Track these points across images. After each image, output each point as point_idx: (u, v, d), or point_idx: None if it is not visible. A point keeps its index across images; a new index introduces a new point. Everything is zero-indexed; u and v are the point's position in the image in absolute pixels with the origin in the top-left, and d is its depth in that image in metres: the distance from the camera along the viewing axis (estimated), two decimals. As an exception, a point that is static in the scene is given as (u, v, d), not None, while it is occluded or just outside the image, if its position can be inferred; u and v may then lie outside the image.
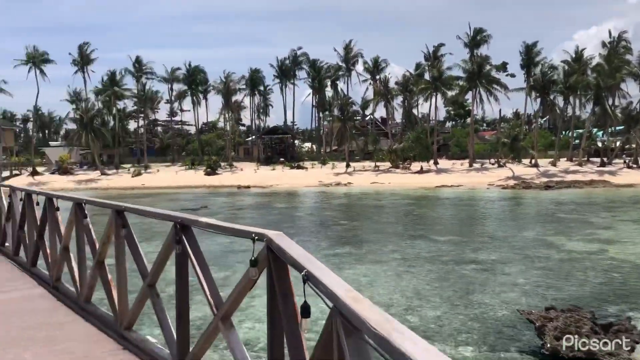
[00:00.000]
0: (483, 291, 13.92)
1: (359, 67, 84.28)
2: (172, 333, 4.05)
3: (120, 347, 4.57)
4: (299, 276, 2.71)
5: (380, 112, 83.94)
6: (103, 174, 64.29)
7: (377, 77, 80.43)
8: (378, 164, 65.91)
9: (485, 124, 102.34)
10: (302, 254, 2.40)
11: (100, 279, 5.37)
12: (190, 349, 3.74)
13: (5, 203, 9.44)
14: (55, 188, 54.15)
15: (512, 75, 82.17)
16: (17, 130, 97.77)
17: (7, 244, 9.29)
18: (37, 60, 72.76)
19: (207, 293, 3.51)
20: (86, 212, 5.70)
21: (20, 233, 8.30)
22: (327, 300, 1.87)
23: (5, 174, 62.33)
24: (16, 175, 64.01)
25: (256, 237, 2.93)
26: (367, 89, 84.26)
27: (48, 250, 7.00)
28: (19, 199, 8.46)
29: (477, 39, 71.06)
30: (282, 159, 73.05)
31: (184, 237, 3.80)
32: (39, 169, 67.78)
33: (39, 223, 7.31)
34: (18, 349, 4.61)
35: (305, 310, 2.14)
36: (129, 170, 67.16)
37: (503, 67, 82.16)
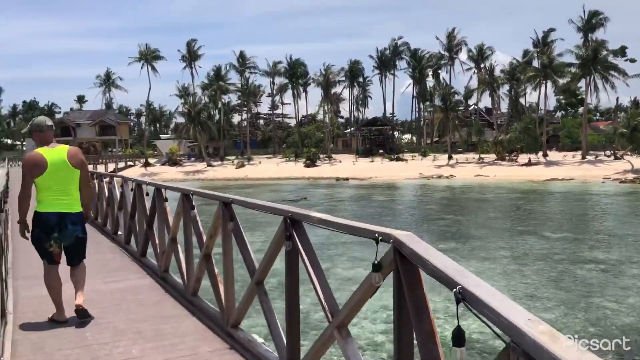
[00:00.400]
0: (604, 294, 12.65)
1: (462, 55, 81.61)
2: (281, 336, 3.75)
3: (227, 347, 4.35)
4: (433, 285, 2.26)
5: (485, 101, 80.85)
6: (209, 165, 66.89)
7: (482, 65, 77.35)
8: (482, 155, 63.39)
9: (598, 114, 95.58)
10: (449, 263, 1.95)
11: (207, 273, 5.21)
12: (302, 357, 3.41)
13: (118, 193, 9.74)
14: (166, 179, 57.08)
15: (632, 60, 75.90)
16: (132, 124, 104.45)
17: (119, 233, 9.61)
18: (149, 57, 77.11)
19: (321, 296, 3.15)
20: (193, 203, 5.57)
21: (131, 223, 8.47)
22: (494, 329, 1.41)
23: (121, 164, 66.57)
24: (130, 166, 68.16)
25: (380, 238, 2.52)
26: (470, 78, 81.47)
27: (157, 241, 7.02)
28: (130, 189, 8.65)
29: (592, 22, 66.17)
30: (381, 151, 72.30)
31: (294, 232, 3.46)
32: (151, 160, 71.80)
33: (148, 213, 7.38)
34: (127, 342, 4.53)
35: (460, 338, 1.65)
36: (232, 162, 69.41)
37: (622, 51, 75.95)
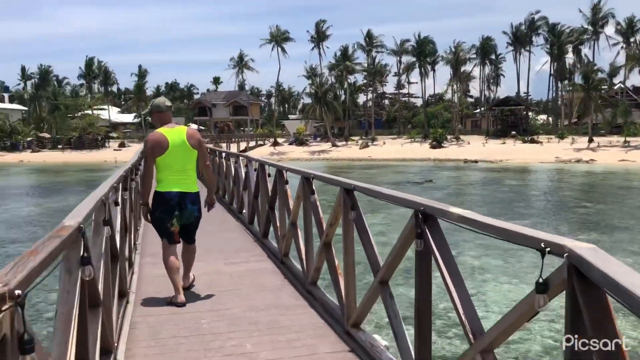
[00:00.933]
0: None
1: (609, 29, 74.29)
2: (409, 349, 3.24)
3: (347, 348, 3.92)
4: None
5: (634, 79, 73.20)
6: (333, 145, 67.46)
7: (632, 39, 69.96)
8: (629, 139, 57.57)
9: None
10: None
11: (327, 263, 4.82)
12: (433, 377, 2.88)
13: (243, 172, 9.72)
14: (292, 158, 58.48)
15: None
16: (262, 104, 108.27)
17: (244, 212, 9.60)
18: (279, 39, 78.99)
19: (460, 311, 2.58)
20: (314, 187, 5.19)
21: (254, 203, 8.37)
22: None
23: (252, 144, 69.26)
24: (260, 145, 70.71)
25: (548, 249, 1.90)
26: (617, 53, 74.11)
27: (277, 223, 6.79)
28: (254, 169, 8.54)
29: None
30: (513, 132, 68.31)
31: (427, 230, 2.91)
32: (279, 140, 73.90)
33: (270, 194, 7.17)
34: (242, 333, 4.27)
35: None
36: (357, 142, 69.41)
37: None
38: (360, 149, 64.27)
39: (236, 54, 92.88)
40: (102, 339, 3.30)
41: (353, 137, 73.63)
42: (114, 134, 75.48)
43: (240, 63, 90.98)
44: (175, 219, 5.05)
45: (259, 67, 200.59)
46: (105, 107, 79.94)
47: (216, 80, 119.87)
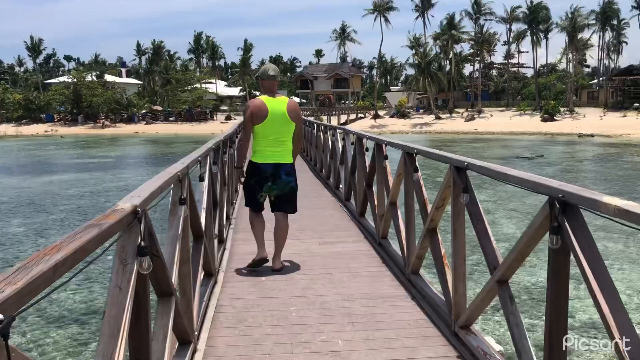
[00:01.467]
0: None
1: None
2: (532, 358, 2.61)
3: (455, 355, 3.35)
4: None
5: None
6: (437, 118, 65.34)
7: None
8: None
9: None
10: None
11: (431, 252, 4.23)
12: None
13: (340, 146, 9.25)
14: (393, 131, 57.40)
15: None
16: (364, 76, 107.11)
17: (341, 187, 9.15)
18: (381, 9, 77.01)
19: (612, 324, 1.94)
20: (417, 164, 4.59)
21: (351, 179, 7.88)
22: None
23: (352, 116, 68.78)
24: (361, 118, 70.03)
25: None
26: None
27: (375, 202, 6.25)
28: (351, 143, 8.03)
29: None
30: (636, 105, 62.55)
31: (566, 223, 2.26)
32: (380, 112, 72.74)
33: (367, 170, 6.64)
34: (333, 326, 3.82)
35: None
36: (462, 114, 66.79)
37: None
38: (465, 121, 61.78)
39: (338, 25, 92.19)
40: (178, 331, 3.00)
41: (458, 109, 70.89)
42: (224, 107, 78.04)
43: (343, 35, 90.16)
44: (266, 189, 5.05)
45: (361, 38, 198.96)
46: (213, 80, 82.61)
47: (318, 53, 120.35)
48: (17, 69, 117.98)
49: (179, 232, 3.02)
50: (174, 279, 2.83)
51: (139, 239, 2.02)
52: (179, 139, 52.07)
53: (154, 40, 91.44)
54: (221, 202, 5.92)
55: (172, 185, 2.99)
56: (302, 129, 5.29)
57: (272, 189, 5.05)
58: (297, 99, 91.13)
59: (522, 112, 65.93)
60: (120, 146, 45.59)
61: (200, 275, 4.50)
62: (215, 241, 5.06)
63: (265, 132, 4.91)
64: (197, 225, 3.93)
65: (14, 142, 50.33)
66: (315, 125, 14.38)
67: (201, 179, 4.26)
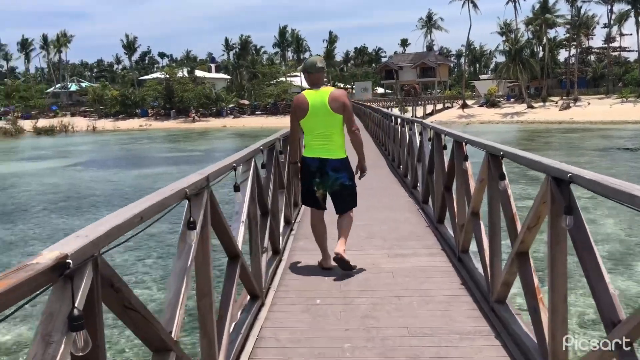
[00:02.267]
0: None
1: None
2: None
3: None
4: None
5: None
6: (529, 107, 61.84)
7: None
8: None
9: None
10: None
11: (520, 280, 3.37)
12: None
13: (417, 141, 8.39)
14: (482, 121, 55.00)
15: None
16: (451, 65, 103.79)
17: (418, 186, 8.28)
18: (471, -7, 73.79)
19: None
20: (504, 170, 3.72)
21: (429, 179, 7.02)
22: None
23: (439, 106, 66.62)
24: (448, 108, 67.67)
25: None
26: None
27: (455, 209, 5.40)
28: (428, 139, 7.17)
29: None
30: None
31: None
32: (469, 101, 69.89)
33: (446, 171, 5.78)
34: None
35: None
36: (556, 103, 62.83)
37: None
38: (560, 110, 58.02)
39: (424, 13, 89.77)
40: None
41: (552, 98, 66.78)
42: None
43: (429, 23, 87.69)
44: (317, 185, 4.86)
45: (448, 26, 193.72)
46: (298, 74, 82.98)
47: (404, 42, 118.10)
48: (115, 66, 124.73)
49: (188, 263, 2.38)
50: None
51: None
52: (265, 132, 52.45)
53: (242, 36, 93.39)
54: (275, 208, 5.30)
55: (175, 202, 2.35)
56: (353, 119, 4.84)
57: (320, 185, 4.87)
58: (381, 90, 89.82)
59: (624, 99, 60.98)
60: (209, 139, 46.60)
61: (243, 299, 3.93)
62: (264, 256, 4.43)
63: (309, 126, 4.79)
64: (230, 244, 3.30)
65: (111, 137, 52.86)
66: (392, 117, 13.50)
67: (236, 189, 3.64)
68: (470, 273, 4.64)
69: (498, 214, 3.85)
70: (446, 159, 5.91)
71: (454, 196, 5.51)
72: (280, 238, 5.48)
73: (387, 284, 4.55)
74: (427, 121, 9.08)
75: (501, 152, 3.66)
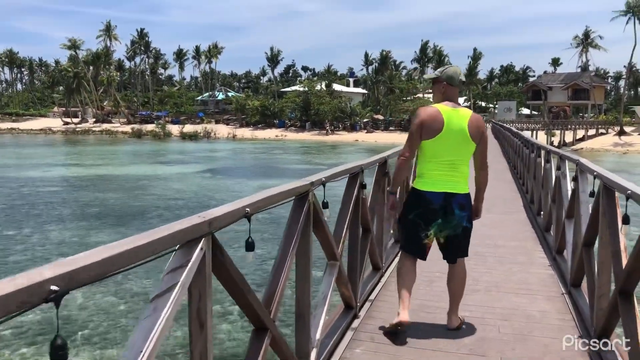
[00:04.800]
0: None
1: None
2: None
3: None
4: None
5: None
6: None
7: None
8: None
9: None
10: None
11: (622, 322, 2.53)
12: None
13: (554, 177, 6.75)
14: (641, 150, 48.94)
15: None
16: (608, 87, 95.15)
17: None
18: (637, 9, 66.80)
19: None
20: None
21: (551, 206, 6.52)
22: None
23: (591, 132, 60.97)
24: (602, 134, 61.64)
25: None
26: None
27: (571, 238, 4.93)
28: (571, 179, 5.58)
29: None
30: None
31: None
32: (627, 128, 63.11)
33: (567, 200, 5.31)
34: None
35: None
36: None
37: None
38: None
39: (581, 31, 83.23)
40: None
41: None
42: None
43: (585, 41, 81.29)
44: (435, 228, 3.83)
45: (608, 44, 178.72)
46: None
47: (555, 62, 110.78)
48: (261, 78, 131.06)
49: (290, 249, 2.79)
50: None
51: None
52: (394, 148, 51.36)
53: (382, 51, 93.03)
54: (380, 223, 5.28)
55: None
56: (486, 151, 3.99)
57: (442, 228, 3.82)
58: (527, 111, 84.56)
59: None
60: (338, 153, 46.57)
61: (338, 309, 4.18)
62: (363, 269, 4.62)
63: (436, 151, 3.81)
64: (329, 248, 3.62)
65: (247, 145, 54.98)
66: (533, 146, 10.49)
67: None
68: (581, 313, 4.11)
69: (617, 247, 3.19)
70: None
71: (595, 254, 3.92)
72: (383, 254, 5.38)
73: (498, 337, 3.88)
74: (578, 148, 7.21)
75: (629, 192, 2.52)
